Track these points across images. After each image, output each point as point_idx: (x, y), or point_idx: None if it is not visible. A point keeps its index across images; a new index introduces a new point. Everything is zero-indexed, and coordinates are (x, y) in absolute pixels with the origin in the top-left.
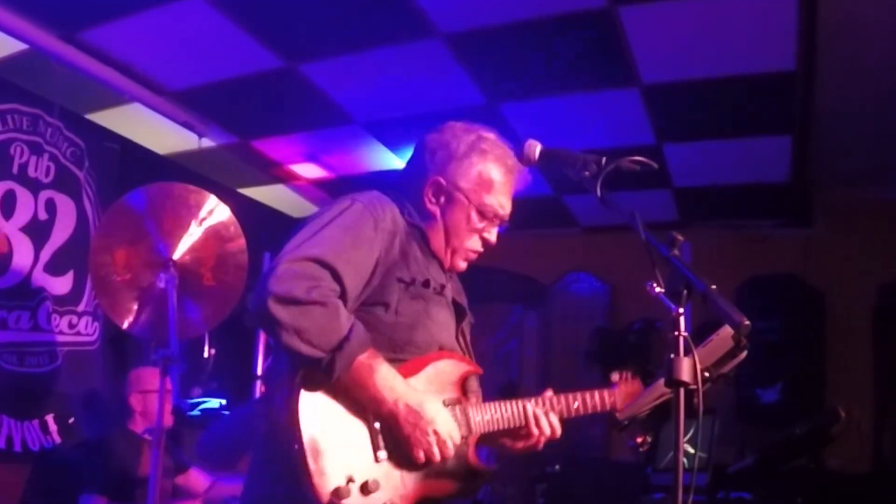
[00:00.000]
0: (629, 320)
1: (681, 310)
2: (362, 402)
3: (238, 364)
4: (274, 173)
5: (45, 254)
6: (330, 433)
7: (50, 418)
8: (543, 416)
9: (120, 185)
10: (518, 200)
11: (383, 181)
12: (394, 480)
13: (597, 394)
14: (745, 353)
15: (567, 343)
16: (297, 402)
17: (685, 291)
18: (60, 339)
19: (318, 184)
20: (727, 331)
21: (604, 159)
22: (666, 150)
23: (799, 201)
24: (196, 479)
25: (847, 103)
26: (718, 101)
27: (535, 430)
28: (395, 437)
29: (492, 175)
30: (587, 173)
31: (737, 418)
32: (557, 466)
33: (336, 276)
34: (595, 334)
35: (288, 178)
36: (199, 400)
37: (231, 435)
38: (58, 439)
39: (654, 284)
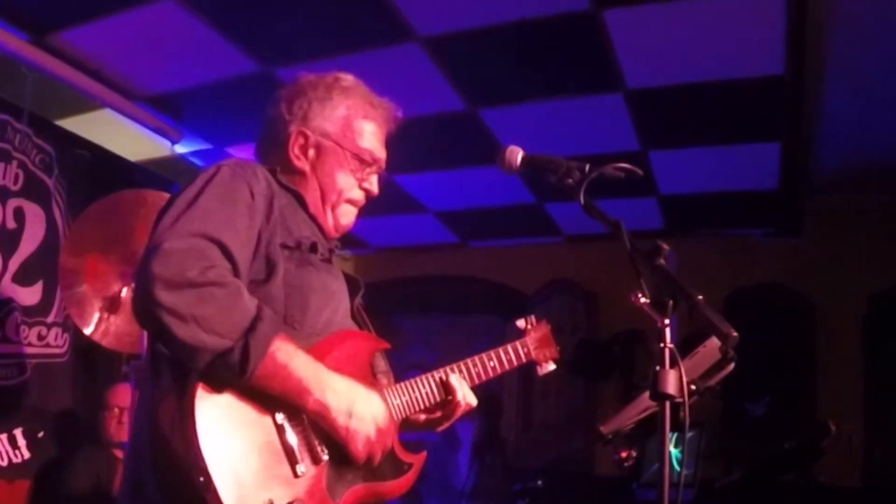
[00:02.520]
0: (613, 331)
1: (666, 321)
2: (280, 398)
3: None
4: None
5: (14, 263)
6: (239, 450)
7: (18, 432)
8: (457, 384)
9: (91, 192)
10: (500, 208)
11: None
12: (319, 496)
13: (510, 347)
14: (732, 365)
15: None
16: (193, 417)
17: (671, 302)
18: (29, 350)
19: None
20: (714, 342)
21: (587, 166)
22: (651, 157)
23: (788, 209)
24: None
25: (837, 108)
26: (705, 107)
27: (448, 413)
28: (322, 434)
29: (360, 116)
30: (570, 180)
31: (724, 432)
32: (540, 482)
33: (225, 251)
34: (578, 346)
35: None
36: None
37: None
38: (27, 454)
39: (639, 295)
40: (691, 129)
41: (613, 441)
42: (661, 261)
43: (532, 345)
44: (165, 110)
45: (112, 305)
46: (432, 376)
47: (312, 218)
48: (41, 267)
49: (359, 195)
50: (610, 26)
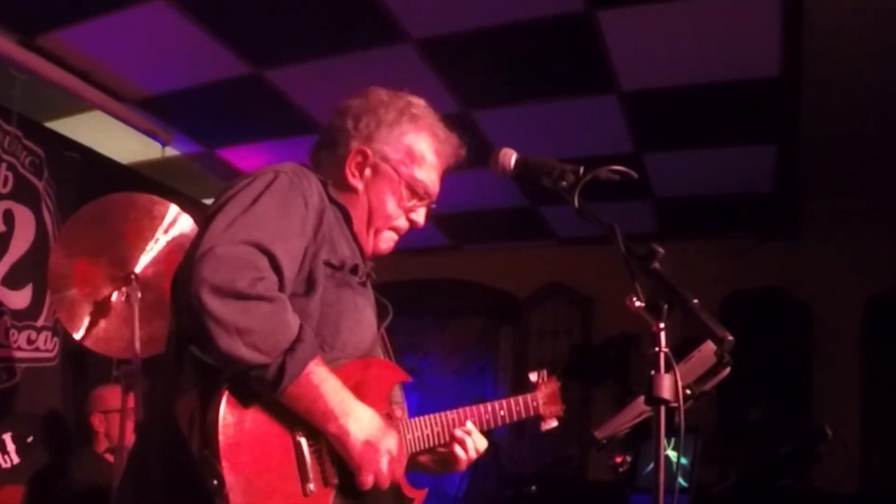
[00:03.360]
0: (608, 335)
1: (661, 325)
2: (305, 418)
3: None
4: None
5: (3, 267)
6: (256, 461)
7: (7, 437)
8: (466, 435)
9: (81, 195)
10: (493, 211)
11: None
12: None
13: (521, 400)
14: (728, 370)
15: (543, 359)
16: (218, 421)
17: (666, 306)
18: (19, 355)
19: None
20: (709, 346)
21: (581, 168)
22: (646, 160)
23: (784, 212)
24: None
25: (833, 110)
26: (700, 109)
27: (459, 452)
28: (336, 459)
29: (424, 146)
30: (564, 183)
31: (720, 437)
32: (533, 487)
33: (275, 264)
34: (573, 350)
35: None
36: None
37: None
38: (16, 459)
39: (634, 298)
40: (686, 131)
41: (608, 446)
42: (656, 264)
43: (541, 400)
44: (156, 112)
45: (102, 309)
46: (446, 417)
47: (355, 237)
48: (31, 270)
49: (404, 224)
50: (604, 27)
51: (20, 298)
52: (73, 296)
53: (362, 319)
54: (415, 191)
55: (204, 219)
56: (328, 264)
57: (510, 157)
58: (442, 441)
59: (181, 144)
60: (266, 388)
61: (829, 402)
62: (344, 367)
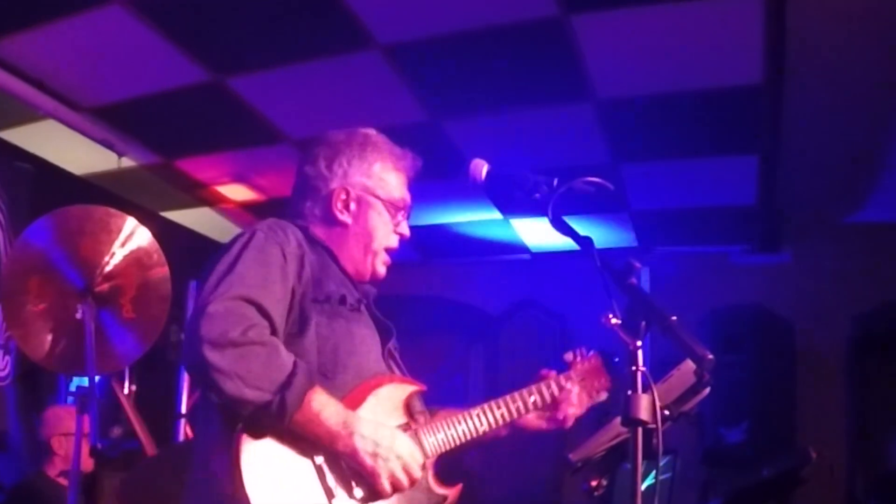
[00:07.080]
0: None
1: (639, 343)
2: (313, 442)
3: (160, 401)
4: (200, 195)
5: None
6: (283, 491)
7: None
8: (500, 419)
9: (33, 207)
10: (464, 225)
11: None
12: None
13: (552, 382)
14: (708, 390)
15: (517, 379)
16: (240, 463)
17: (643, 323)
18: None
19: (248, 206)
20: (689, 365)
21: (555, 180)
22: (623, 171)
23: (767, 225)
24: None
25: (818, 120)
26: (679, 118)
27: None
28: (355, 474)
29: (390, 167)
30: (538, 195)
31: (700, 460)
32: None
33: (263, 312)
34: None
35: (215, 201)
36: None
37: (156, 479)
38: None
39: (610, 315)
40: (665, 141)
41: (583, 469)
42: (634, 280)
43: (577, 377)
44: (112, 121)
45: (57, 327)
46: (468, 415)
47: (343, 270)
48: None
49: (395, 241)
50: (578, 33)
51: None
52: (28, 312)
53: (359, 343)
54: (396, 206)
55: (198, 287)
56: (315, 300)
57: (481, 169)
58: (468, 438)
59: (138, 155)
60: (275, 421)
61: (813, 423)
62: (353, 392)
